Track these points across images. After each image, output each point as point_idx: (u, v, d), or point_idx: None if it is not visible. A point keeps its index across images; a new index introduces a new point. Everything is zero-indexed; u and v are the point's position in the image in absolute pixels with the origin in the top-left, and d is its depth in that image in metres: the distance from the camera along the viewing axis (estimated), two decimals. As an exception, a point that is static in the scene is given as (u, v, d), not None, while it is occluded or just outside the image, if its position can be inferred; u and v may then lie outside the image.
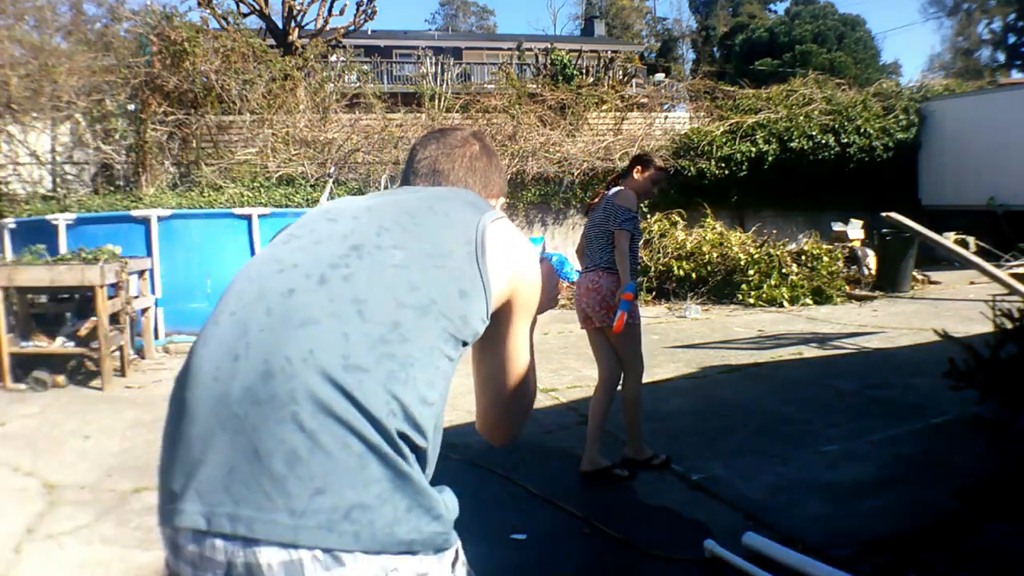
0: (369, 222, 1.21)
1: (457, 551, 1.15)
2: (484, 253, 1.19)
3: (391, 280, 1.12)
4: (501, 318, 1.25)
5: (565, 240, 12.83)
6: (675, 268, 9.84)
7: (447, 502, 1.12)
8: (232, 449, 1.01)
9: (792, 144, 12.81)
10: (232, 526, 0.99)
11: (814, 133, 12.90)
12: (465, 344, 1.17)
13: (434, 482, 1.11)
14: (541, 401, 5.13)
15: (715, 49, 46.00)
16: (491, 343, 1.27)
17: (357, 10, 16.64)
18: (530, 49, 20.29)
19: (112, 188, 10.58)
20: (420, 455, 1.08)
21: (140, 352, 6.82)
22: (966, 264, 6.88)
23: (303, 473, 0.99)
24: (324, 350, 1.04)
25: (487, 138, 1.58)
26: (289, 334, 1.05)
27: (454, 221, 1.23)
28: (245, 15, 15.34)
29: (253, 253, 7.63)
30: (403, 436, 1.04)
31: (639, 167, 3.89)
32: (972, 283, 10.20)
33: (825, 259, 9.76)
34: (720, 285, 9.72)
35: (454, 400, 5.37)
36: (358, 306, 1.08)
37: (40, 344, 5.85)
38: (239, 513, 0.99)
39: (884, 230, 9.77)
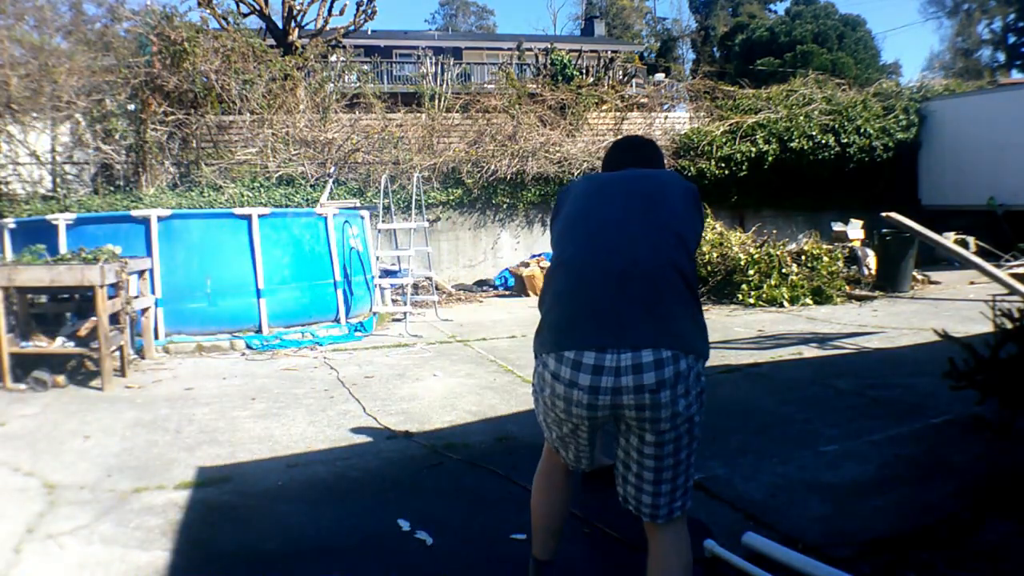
0: (646, 185, 2.19)
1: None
2: (699, 204, 2.20)
3: (668, 213, 2.08)
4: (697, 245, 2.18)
5: (565, 240, 12.83)
6: (675, 268, 9.83)
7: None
8: (619, 303, 1.94)
9: (792, 144, 12.82)
10: (622, 342, 1.90)
11: (814, 133, 12.91)
12: (695, 249, 2.12)
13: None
14: (541, 401, 5.13)
15: (715, 49, 45.98)
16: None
17: (357, 10, 16.64)
18: (530, 49, 20.29)
19: (112, 188, 10.58)
20: (700, 305, 2.07)
21: (140, 352, 6.82)
22: (966, 264, 6.89)
23: (658, 312, 1.93)
24: (659, 249, 2.00)
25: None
26: (638, 242, 2.01)
27: (676, 186, 2.20)
28: (245, 15, 15.35)
29: (253, 253, 7.64)
30: (696, 292, 2.06)
31: None
32: (972, 283, 10.20)
33: (825, 259, 9.74)
34: (720, 285, 9.72)
35: (454, 401, 5.40)
36: (661, 226, 2.04)
37: (40, 344, 5.86)
38: (625, 335, 1.91)
39: (884, 230, 9.76)
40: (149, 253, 7.18)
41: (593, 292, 1.98)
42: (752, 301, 9.29)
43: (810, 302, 9.25)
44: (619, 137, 2.64)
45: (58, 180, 10.71)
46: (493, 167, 12.16)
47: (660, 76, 26.63)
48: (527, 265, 11.39)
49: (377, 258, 9.63)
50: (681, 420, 1.94)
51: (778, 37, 34.56)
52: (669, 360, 1.89)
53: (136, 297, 6.56)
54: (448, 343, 7.50)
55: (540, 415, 2.21)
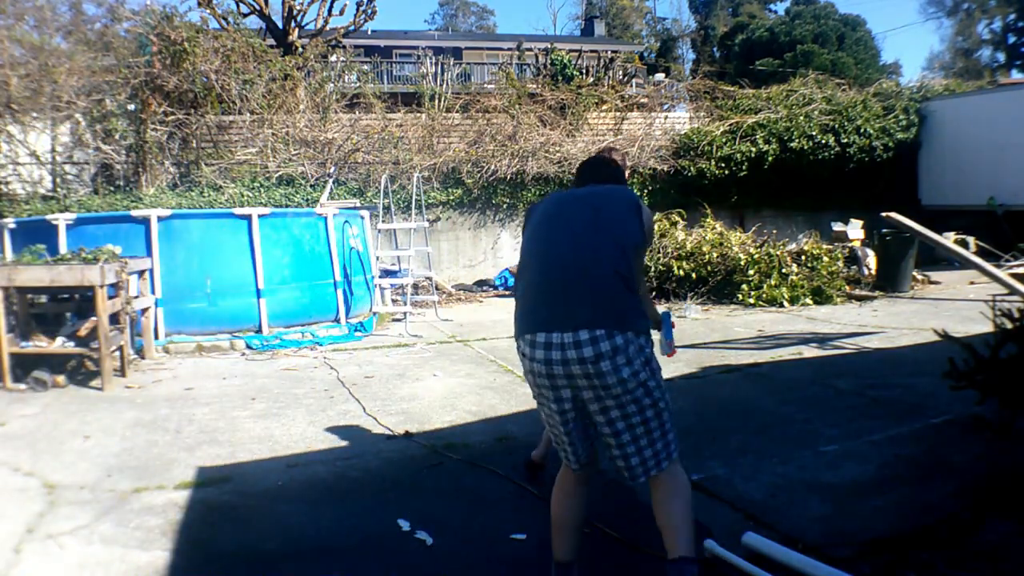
0: (597, 201, 2.58)
1: (651, 336, 2.45)
2: (641, 213, 2.53)
3: (612, 224, 2.49)
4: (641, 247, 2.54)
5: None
6: (675, 268, 9.84)
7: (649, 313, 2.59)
8: (564, 295, 2.38)
9: (792, 144, 12.81)
10: (565, 325, 2.32)
11: (814, 133, 12.91)
12: (635, 251, 2.48)
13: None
14: (541, 401, 5.13)
15: (715, 49, 45.96)
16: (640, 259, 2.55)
17: (357, 10, 16.64)
18: (530, 49, 20.29)
19: (112, 188, 10.58)
20: (637, 294, 2.43)
21: (140, 352, 6.82)
22: (966, 264, 6.89)
23: (595, 301, 2.35)
24: (602, 254, 2.41)
25: (617, 152, 3.38)
26: (585, 250, 2.43)
27: (624, 199, 2.59)
28: (245, 15, 15.34)
29: (253, 253, 7.64)
30: (633, 286, 2.41)
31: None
32: (972, 283, 10.20)
33: (825, 259, 9.74)
34: (720, 285, 9.72)
35: (454, 401, 5.39)
36: (605, 236, 2.45)
37: (40, 344, 5.86)
38: (567, 319, 2.33)
39: (884, 230, 9.76)
40: (149, 253, 7.18)
41: (547, 287, 2.43)
42: (752, 301, 9.29)
43: (810, 302, 9.25)
44: (587, 157, 3.20)
45: (58, 180, 10.70)
46: (493, 167, 12.16)
47: (660, 76, 26.62)
48: (527, 265, 11.38)
49: (377, 258, 9.63)
50: (632, 385, 2.33)
51: (778, 37, 34.54)
52: (603, 337, 2.29)
53: (136, 297, 6.56)
54: (448, 343, 7.50)
55: (536, 400, 2.58)
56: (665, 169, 12.82)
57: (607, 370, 2.28)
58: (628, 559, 2.88)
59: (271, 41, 15.23)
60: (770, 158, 12.78)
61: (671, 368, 5.98)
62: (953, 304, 8.84)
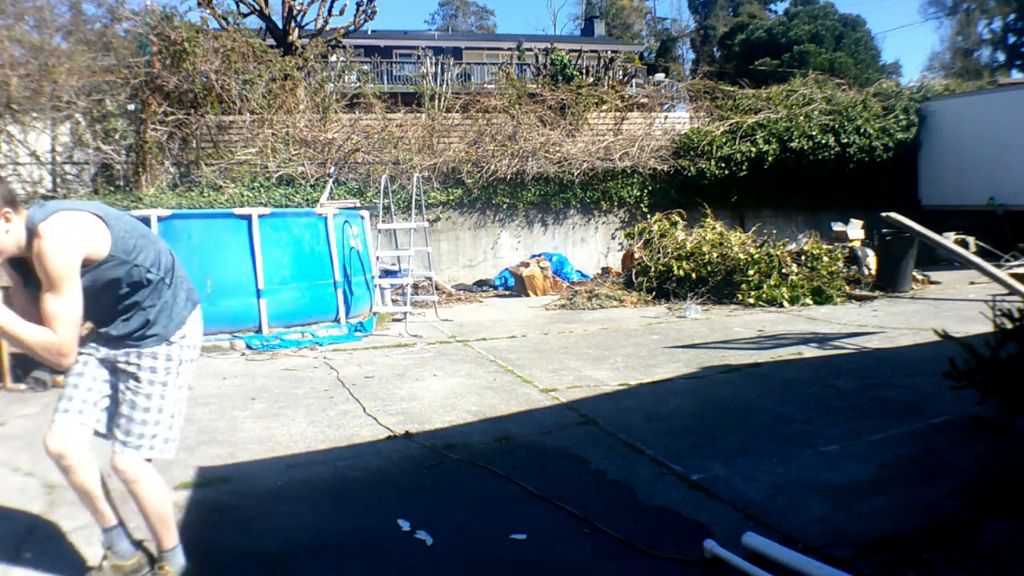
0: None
1: None
2: None
3: None
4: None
5: (565, 240, 12.84)
6: (675, 268, 9.84)
7: None
8: None
9: (792, 144, 12.82)
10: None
11: (814, 133, 12.91)
12: None
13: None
14: (541, 401, 5.13)
15: (715, 49, 45.97)
16: None
17: (357, 10, 16.64)
18: (530, 49, 20.32)
19: (112, 188, 10.57)
20: None
21: (140, 352, 6.81)
22: (966, 264, 6.89)
23: None
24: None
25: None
26: None
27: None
28: (245, 15, 15.35)
29: (253, 253, 7.63)
30: None
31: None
32: (972, 283, 10.20)
33: (825, 259, 9.75)
34: (720, 285, 9.72)
35: (454, 401, 5.38)
36: None
37: (40, 344, 5.85)
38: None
39: (884, 230, 9.77)
40: (149, 253, 7.16)
41: (184, 276, 2.86)
42: (752, 301, 9.29)
43: (810, 302, 9.26)
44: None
45: (58, 180, 10.70)
46: (493, 167, 12.16)
47: (660, 76, 26.63)
48: (527, 265, 11.39)
49: (377, 258, 9.63)
50: None
51: (777, 38, 34.52)
52: None
53: (136, 297, 6.55)
54: (448, 343, 7.50)
55: (183, 391, 2.87)
56: (665, 169, 12.83)
57: None
58: (628, 559, 2.88)
59: (271, 41, 15.23)
60: (770, 158, 12.79)
61: (672, 368, 5.99)
62: (953, 304, 8.84)
